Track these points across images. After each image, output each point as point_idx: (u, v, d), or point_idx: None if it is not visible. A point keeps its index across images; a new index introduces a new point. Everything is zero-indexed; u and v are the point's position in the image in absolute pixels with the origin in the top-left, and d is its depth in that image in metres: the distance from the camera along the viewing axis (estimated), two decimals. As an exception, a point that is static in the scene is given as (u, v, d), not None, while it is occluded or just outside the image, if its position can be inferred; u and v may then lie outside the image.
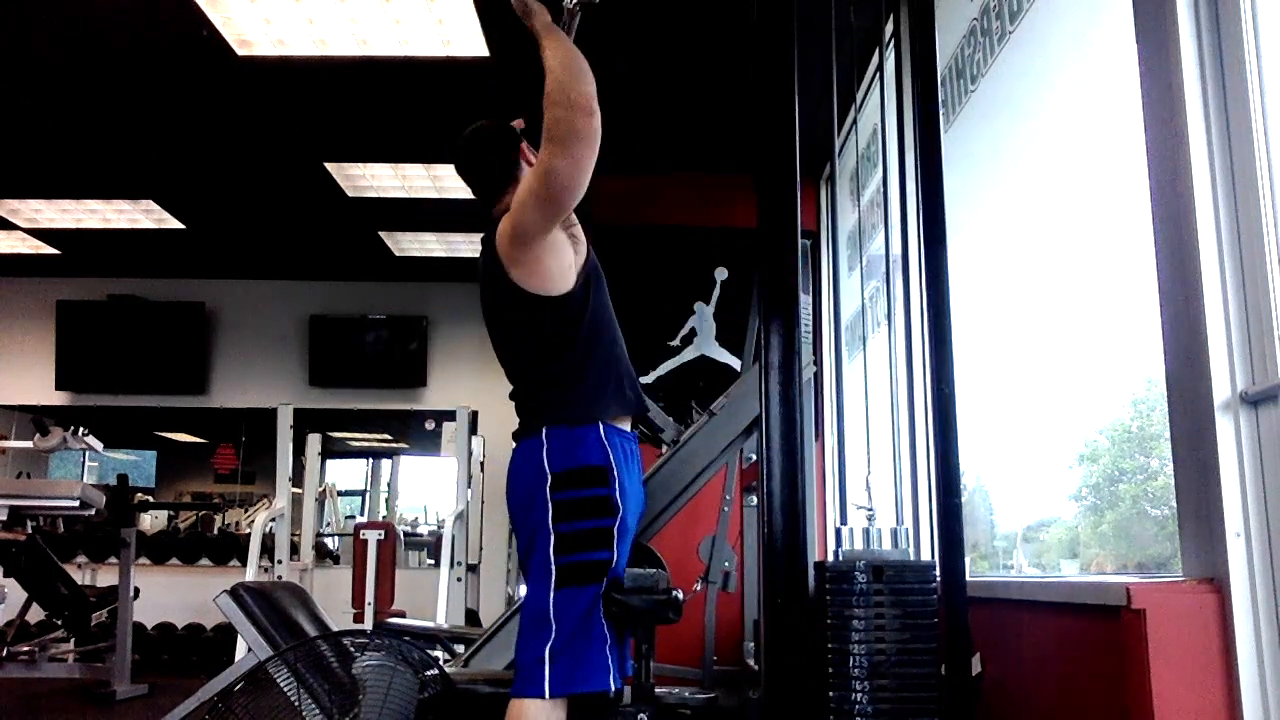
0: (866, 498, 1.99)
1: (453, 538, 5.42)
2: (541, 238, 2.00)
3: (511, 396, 2.14)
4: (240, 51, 3.98)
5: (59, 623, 5.50)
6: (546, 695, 1.84)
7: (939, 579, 1.83)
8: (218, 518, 9.10)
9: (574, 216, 2.10)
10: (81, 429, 5.47)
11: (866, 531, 1.88)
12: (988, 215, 2.74)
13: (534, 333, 2.08)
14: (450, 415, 5.99)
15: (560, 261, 2.04)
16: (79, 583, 5.77)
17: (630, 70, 4.11)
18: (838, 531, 1.89)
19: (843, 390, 2.06)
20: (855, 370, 2.70)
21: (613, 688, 1.90)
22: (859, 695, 1.74)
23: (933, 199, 1.94)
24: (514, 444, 2.09)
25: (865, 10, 2.21)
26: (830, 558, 1.87)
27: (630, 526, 2.03)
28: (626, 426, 2.11)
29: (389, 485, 10.43)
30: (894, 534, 1.87)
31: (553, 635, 1.88)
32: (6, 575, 5.30)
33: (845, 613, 1.78)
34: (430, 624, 4.47)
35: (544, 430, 2.01)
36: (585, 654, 1.88)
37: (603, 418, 2.03)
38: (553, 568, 1.92)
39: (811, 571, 1.84)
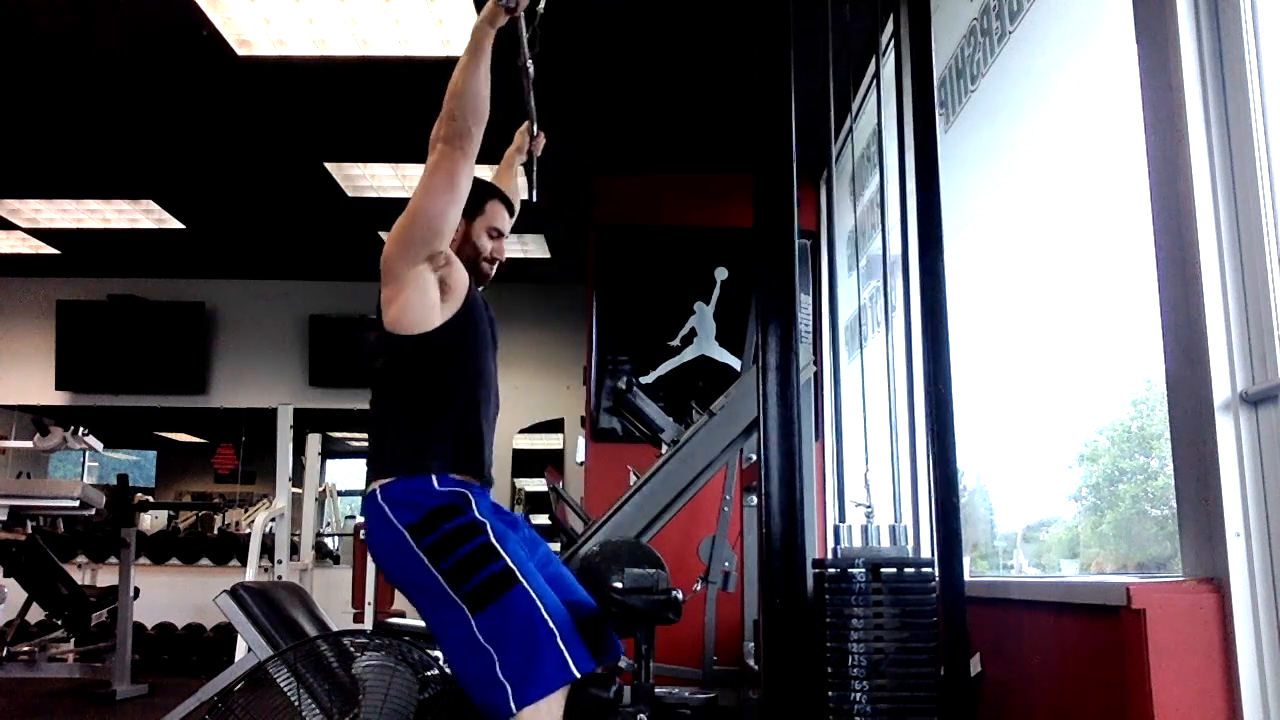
0: (865, 494, 1.99)
1: (453, 538, 5.40)
2: (402, 270, 2.00)
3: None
4: (240, 51, 3.98)
5: (59, 623, 5.50)
6: (514, 710, 1.80)
7: (938, 579, 1.82)
8: (218, 518, 9.11)
9: (454, 263, 2.07)
10: (81, 429, 5.47)
11: (865, 529, 1.88)
12: (988, 215, 2.74)
13: (387, 369, 2.07)
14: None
15: (424, 298, 2.02)
16: (79, 583, 5.77)
17: (630, 70, 4.11)
18: (836, 529, 1.89)
19: (841, 390, 2.06)
20: (856, 371, 2.70)
21: (577, 674, 1.84)
22: (858, 695, 1.74)
23: (929, 200, 1.94)
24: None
25: (864, 12, 2.21)
26: (829, 556, 1.87)
27: (506, 531, 1.99)
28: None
29: (389, 485, 10.41)
30: (893, 530, 1.87)
31: (495, 658, 1.83)
32: (6, 575, 5.30)
33: (844, 611, 1.77)
34: (430, 624, 4.46)
35: (378, 490, 1.99)
36: (535, 658, 1.83)
37: (436, 472, 1.99)
38: (458, 600, 1.88)
39: (810, 570, 1.84)
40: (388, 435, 2.06)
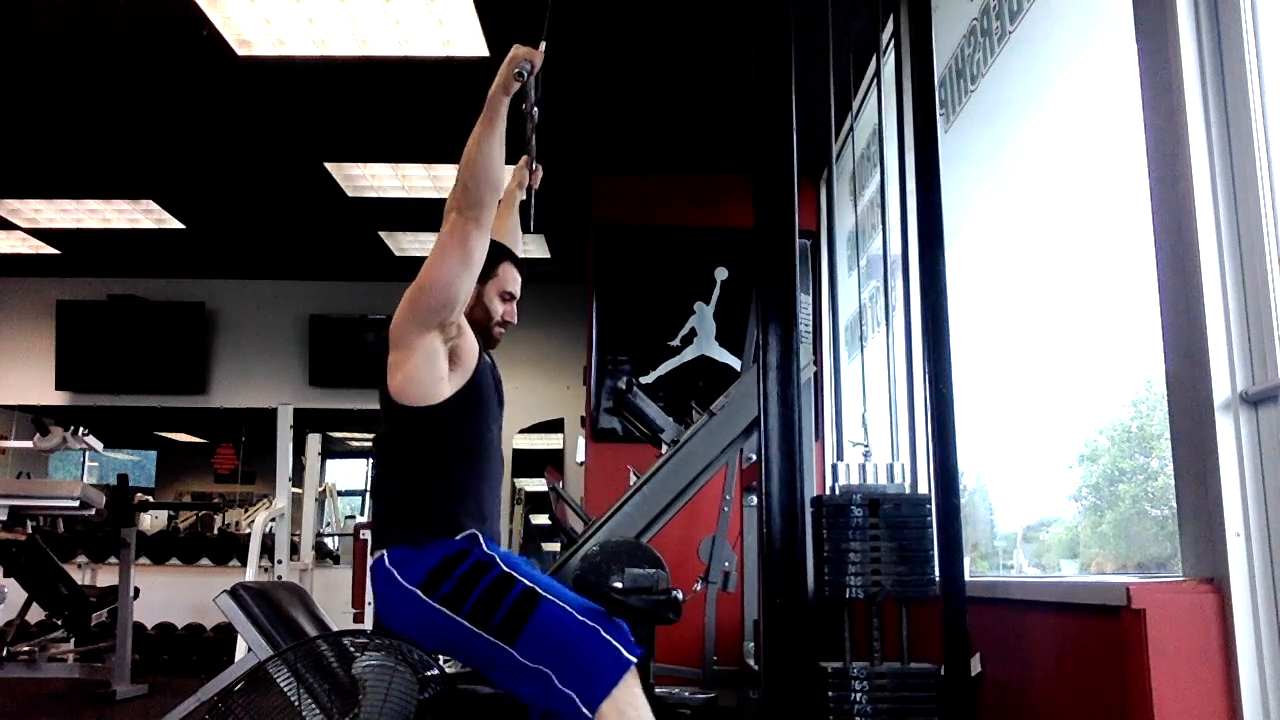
0: (863, 435, 1.99)
1: (453, 538, 5.41)
2: (411, 336, 1.97)
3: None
4: (240, 51, 3.98)
5: (59, 623, 5.50)
6: (590, 714, 1.78)
7: (939, 579, 1.83)
8: (218, 518, 9.11)
9: (465, 333, 2.04)
10: (81, 429, 5.47)
11: (862, 468, 1.89)
12: (988, 215, 2.74)
13: (395, 442, 2.05)
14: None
15: (432, 370, 1.99)
16: (79, 583, 5.77)
17: (631, 71, 4.11)
18: (834, 467, 1.89)
19: (841, 390, 2.06)
20: (856, 370, 2.70)
21: (633, 659, 1.83)
22: (858, 695, 1.74)
23: (929, 200, 1.94)
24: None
25: (864, 12, 2.21)
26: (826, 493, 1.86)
27: (516, 560, 1.98)
28: None
29: (389, 485, 10.38)
30: (890, 469, 1.88)
31: (551, 674, 1.82)
32: (6, 575, 5.30)
33: (842, 546, 1.77)
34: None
35: (384, 555, 1.97)
36: (588, 659, 1.82)
37: (446, 537, 1.98)
38: (492, 639, 1.87)
39: (808, 511, 1.83)
40: (391, 504, 2.05)
